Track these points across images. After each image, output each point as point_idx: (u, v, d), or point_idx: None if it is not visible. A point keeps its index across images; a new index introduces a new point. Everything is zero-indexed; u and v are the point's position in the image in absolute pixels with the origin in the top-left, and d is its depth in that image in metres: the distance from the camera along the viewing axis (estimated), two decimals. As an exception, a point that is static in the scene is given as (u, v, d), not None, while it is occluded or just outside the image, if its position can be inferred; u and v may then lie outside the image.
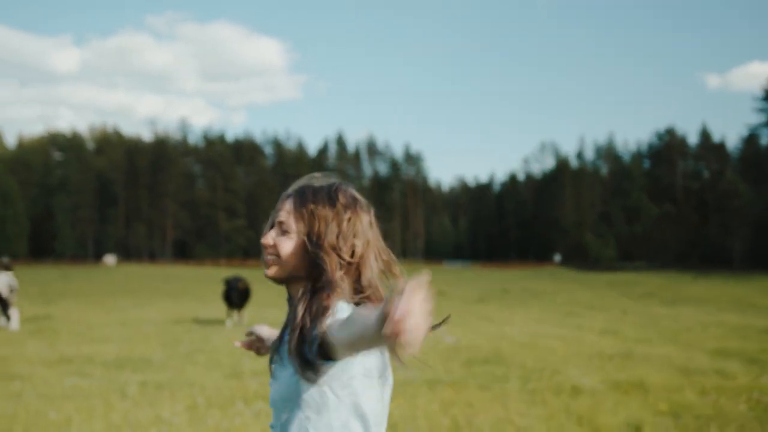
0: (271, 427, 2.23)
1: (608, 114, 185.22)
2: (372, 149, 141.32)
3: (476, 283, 47.27)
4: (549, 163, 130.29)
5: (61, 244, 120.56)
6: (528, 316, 21.58)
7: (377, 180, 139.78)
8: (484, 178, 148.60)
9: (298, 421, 2.12)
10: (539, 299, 30.23)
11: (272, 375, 2.25)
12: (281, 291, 2.30)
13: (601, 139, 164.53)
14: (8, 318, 18.55)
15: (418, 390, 9.73)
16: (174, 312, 23.27)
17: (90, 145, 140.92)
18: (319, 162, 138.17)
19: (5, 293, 18.91)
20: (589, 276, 61.02)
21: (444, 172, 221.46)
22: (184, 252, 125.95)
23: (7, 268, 62.83)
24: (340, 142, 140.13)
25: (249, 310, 22.26)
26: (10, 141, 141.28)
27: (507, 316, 21.61)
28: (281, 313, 2.89)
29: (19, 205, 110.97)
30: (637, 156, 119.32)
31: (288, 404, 2.15)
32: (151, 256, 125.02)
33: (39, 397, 9.36)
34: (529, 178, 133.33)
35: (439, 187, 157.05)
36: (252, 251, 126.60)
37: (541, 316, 21.90)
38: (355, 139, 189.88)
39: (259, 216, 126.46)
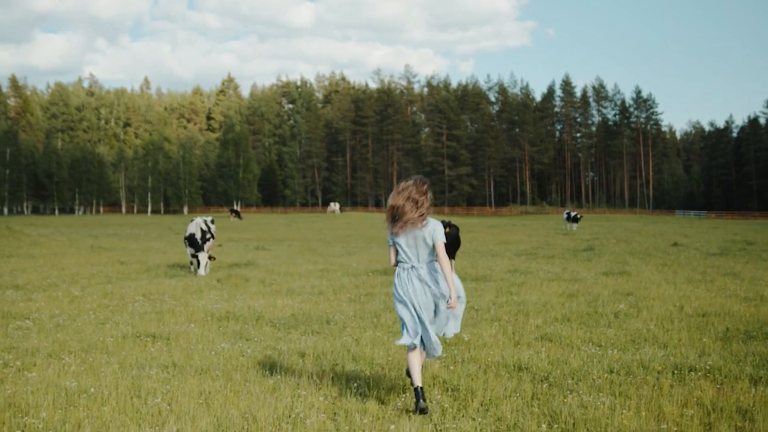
0: None
1: None
2: (600, 94, 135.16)
3: (714, 234, 42.67)
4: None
5: (291, 192, 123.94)
6: (784, 274, 18.11)
7: (605, 126, 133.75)
8: (721, 123, 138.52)
9: None
10: (793, 253, 26.14)
11: None
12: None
13: None
14: (198, 264, 17.49)
15: (662, 380, 7.03)
16: (382, 261, 21.55)
17: (319, 95, 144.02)
18: (544, 107, 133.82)
19: (198, 236, 17.82)
20: None
21: (677, 117, 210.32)
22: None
23: (237, 215, 63.82)
24: (567, 88, 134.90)
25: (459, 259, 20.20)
26: (246, 93, 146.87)
27: (759, 273, 18.22)
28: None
29: (250, 153, 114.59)
30: None
31: None
32: (377, 204, 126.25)
33: (166, 368, 7.63)
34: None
35: (671, 133, 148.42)
36: (475, 198, 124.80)
37: (801, 273, 18.34)
38: (582, 84, 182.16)
39: (484, 163, 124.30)
